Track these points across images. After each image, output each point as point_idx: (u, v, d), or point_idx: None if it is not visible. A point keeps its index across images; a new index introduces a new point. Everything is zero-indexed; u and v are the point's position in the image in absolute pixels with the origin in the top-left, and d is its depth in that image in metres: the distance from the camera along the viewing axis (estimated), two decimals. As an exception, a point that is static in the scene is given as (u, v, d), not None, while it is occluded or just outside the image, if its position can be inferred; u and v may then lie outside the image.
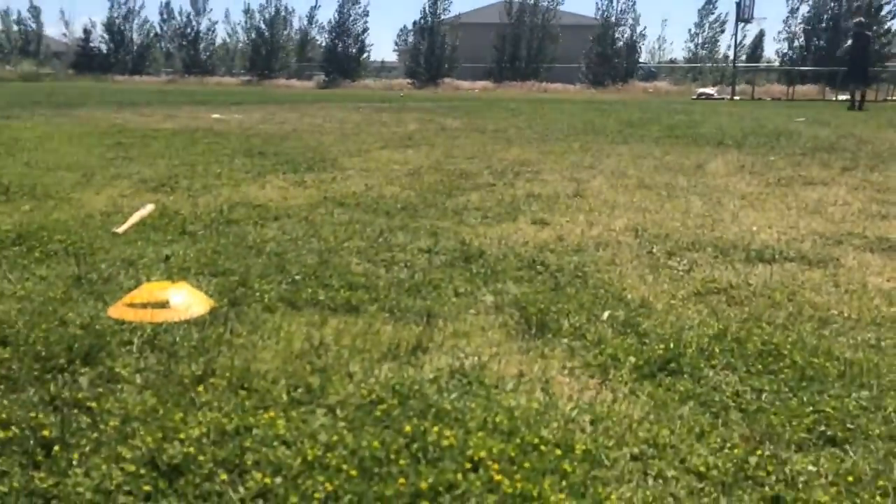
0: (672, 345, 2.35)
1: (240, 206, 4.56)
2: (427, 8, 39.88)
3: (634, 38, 38.92)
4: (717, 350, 2.33)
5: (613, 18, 38.01)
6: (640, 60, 40.41)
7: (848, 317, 2.73)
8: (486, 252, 3.58)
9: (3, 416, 1.70)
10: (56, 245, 3.34)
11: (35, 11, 50.45)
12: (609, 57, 37.33)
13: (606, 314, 2.70)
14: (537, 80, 37.35)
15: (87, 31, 47.36)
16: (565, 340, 2.44)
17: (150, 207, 4.25)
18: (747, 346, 2.38)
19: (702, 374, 2.17)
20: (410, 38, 45.25)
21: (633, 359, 2.26)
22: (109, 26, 45.86)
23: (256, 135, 9.25)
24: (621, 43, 38.13)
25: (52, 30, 53.80)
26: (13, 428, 1.64)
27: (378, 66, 48.30)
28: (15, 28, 50.67)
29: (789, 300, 2.92)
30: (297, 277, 3.01)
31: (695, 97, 26.39)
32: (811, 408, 1.94)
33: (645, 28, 40.13)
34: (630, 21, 38.37)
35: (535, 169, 6.48)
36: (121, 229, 3.73)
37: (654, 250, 3.71)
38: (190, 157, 6.75)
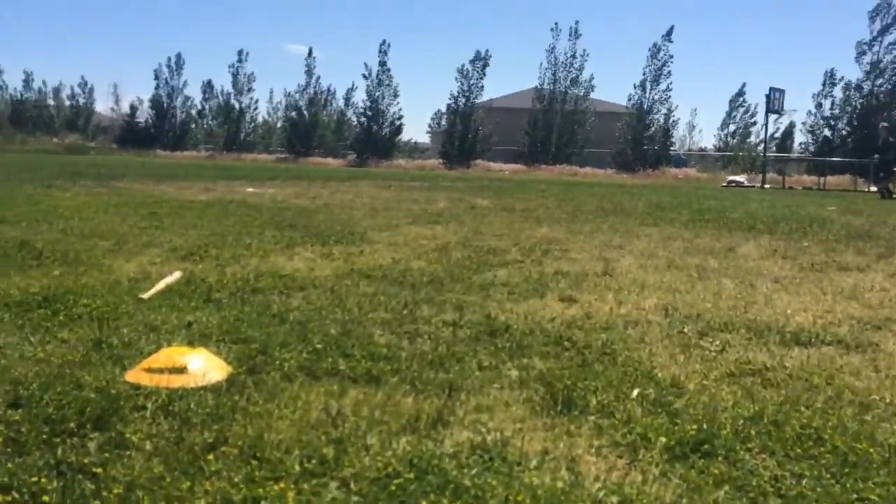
0: (705, 425, 2.24)
1: (267, 275, 4.56)
2: (460, 92, 40.89)
3: (667, 126, 39.34)
4: (753, 433, 2.21)
5: (646, 106, 38.56)
6: (672, 148, 40.76)
7: (890, 402, 2.60)
8: (511, 327, 3.50)
9: (5, 479, 1.64)
10: (81, 309, 3.34)
11: (85, 87, 52.77)
12: (640, 143, 37.72)
13: (636, 392, 2.60)
14: (568, 163, 37.78)
15: (133, 107, 49.33)
16: (592, 418, 2.34)
17: (177, 275, 4.27)
18: (785, 429, 2.25)
19: (737, 457, 2.05)
20: (444, 121, 46.31)
21: (664, 439, 2.15)
22: (155, 103, 47.65)
23: (288, 208, 9.38)
24: (653, 130, 38.56)
25: (101, 105, 55.98)
26: (13, 493, 1.59)
27: (411, 146, 49.38)
28: (67, 103, 52.92)
29: (828, 384, 2.79)
30: (319, 346, 2.96)
31: (725, 184, 26.42)
32: (855, 495, 1.82)
33: (677, 118, 40.43)
34: (664, 110, 38.84)
35: (564, 247, 6.43)
36: (147, 295, 3.74)
37: (686, 330, 3.60)
38: (221, 228, 6.84)
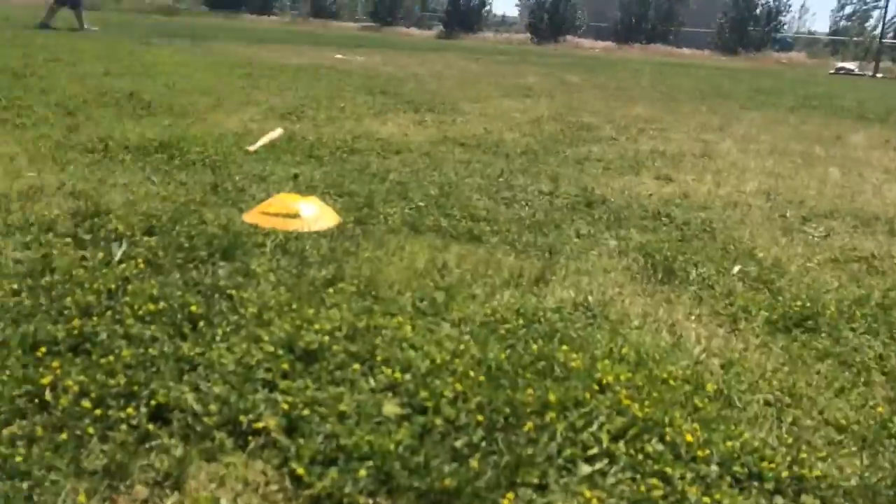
0: (808, 304, 2.23)
1: (362, 138, 4.62)
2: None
3: (777, 5, 36.50)
4: (858, 314, 2.20)
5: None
6: (778, 30, 37.99)
7: None
8: (608, 199, 3.50)
9: (154, 292, 1.79)
10: (194, 156, 3.49)
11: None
12: (744, 23, 35.30)
13: (737, 268, 2.59)
14: (664, 43, 35.87)
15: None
16: (693, 288, 2.36)
17: (279, 131, 4.37)
18: (892, 313, 2.23)
19: (841, 335, 2.05)
20: (534, -7, 44.29)
21: (765, 313, 2.17)
22: (240, -37, 47.02)
23: (378, 76, 9.33)
24: (759, 10, 35.90)
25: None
26: (162, 302, 1.74)
27: (498, 20, 47.70)
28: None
29: (939, 274, 2.72)
30: (420, 204, 3.04)
31: (833, 71, 24.74)
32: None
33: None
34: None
35: (660, 127, 6.25)
36: (253, 147, 3.86)
37: (788, 215, 3.53)
38: (315, 91, 6.89)
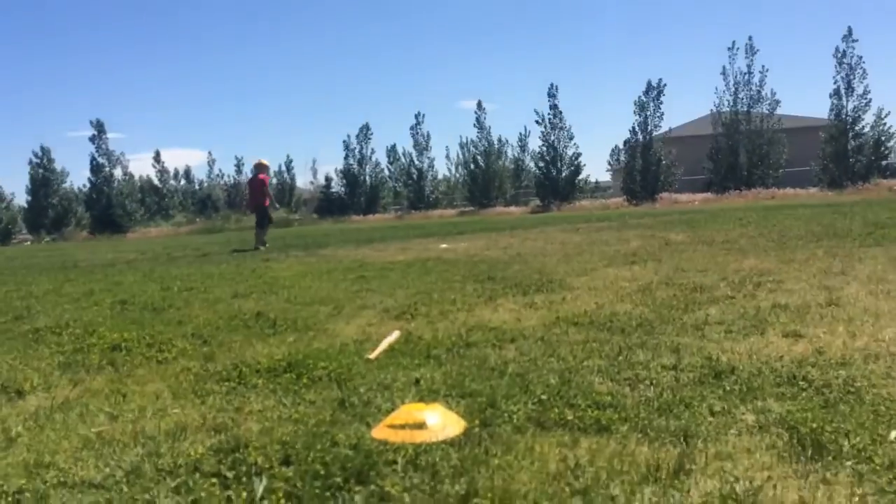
0: None
1: (476, 329, 4.71)
2: (637, 125, 40.10)
3: (878, 134, 35.93)
4: None
5: (846, 116, 35.53)
6: (885, 158, 37.04)
7: None
8: (736, 367, 3.36)
9: (296, 529, 1.83)
10: (320, 371, 3.64)
11: (289, 165, 58.00)
12: (845, 156, 34.72)
13: (894, 434, 2.39)
14: (764, 186, 35.59)
15: (328, 179, 53.16)
16: (849, 463, 2.19)
17: (396, 334, 4.53)
18: None
19: None
20: (622, 156, 45.55)
21: (939, 486, 1.97)
22: (346, 172, 51.07)
23: (483, 261, 9.63)
24: (861, 140, 35.34)
25: (301, 180, 61.14)
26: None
27: (592, 186, 48.95)
28: (274, 181, 58.46)
29: None
30: (543, 397, 3.02)
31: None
32: None
33: (890, 125, 36.72)
34: (870, 118, 35.57)
35: (777, 278, 6.07)
36: (373, 355, 4.00)
37: (938, 362, 3.27)
38: (425, 286, 7.16)
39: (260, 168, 16.81)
